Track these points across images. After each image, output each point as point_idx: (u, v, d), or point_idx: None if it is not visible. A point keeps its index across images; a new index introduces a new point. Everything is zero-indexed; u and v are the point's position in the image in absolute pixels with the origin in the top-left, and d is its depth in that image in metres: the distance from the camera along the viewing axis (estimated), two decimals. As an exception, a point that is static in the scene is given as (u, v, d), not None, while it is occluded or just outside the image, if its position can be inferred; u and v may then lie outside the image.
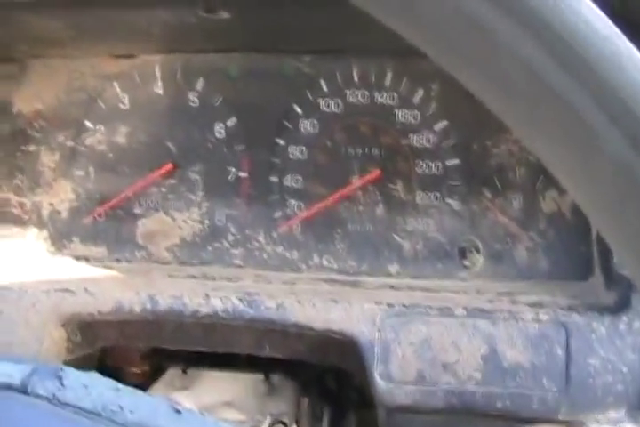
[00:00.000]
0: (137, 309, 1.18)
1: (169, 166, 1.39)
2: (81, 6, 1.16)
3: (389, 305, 1.10)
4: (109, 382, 0.62)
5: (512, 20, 0.40)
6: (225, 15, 1.15)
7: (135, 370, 1.45)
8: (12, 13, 1.18)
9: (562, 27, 0.39)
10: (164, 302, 1.17)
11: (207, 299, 1.16)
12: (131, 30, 1.29)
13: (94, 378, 0.62)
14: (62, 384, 0.59)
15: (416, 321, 1.09)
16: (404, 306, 1.11)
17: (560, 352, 1.05)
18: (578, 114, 0.40)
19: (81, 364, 1.27)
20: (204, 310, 1.16)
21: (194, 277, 1.29)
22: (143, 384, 1.43)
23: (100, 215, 1.42)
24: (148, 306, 1.17)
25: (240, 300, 1.14)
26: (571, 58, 0.40)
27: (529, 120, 0.44)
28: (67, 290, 1.20)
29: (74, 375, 0.61)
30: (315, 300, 1.13)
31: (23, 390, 0.59)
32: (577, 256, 1.24)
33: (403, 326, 1.09)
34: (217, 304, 1.15)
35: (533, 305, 1.11)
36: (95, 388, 0.60)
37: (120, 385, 0.62)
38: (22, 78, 1.47)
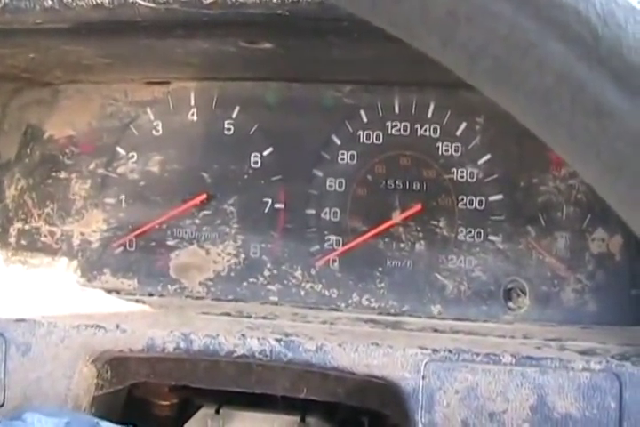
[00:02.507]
0: (170, 347, 1.14)
1: (203, 197, 1.35)
2: (119, 35, 1.14)
3: (434, 351, 1.06)
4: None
5: None
6: (267, 45, 1.12)
7: (163, 403, 1.42)
8: (48, 40, 1.16)
9: None
10: (199, 341, 1.13)
11: (243, 339, 1.12)
12: (167, 58, 1.26)
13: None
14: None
15: (462, 368, 1.05)
16: (449, 351, 1.06)
17: (613, 405, 1.01)
18: None
19: (110, 399, 1.24)
20: (240, 350, 1.12)
21: (229, 314, 1.25)
22: (171, 417, 1.40)
23: (131, 246, 1.39)
24: (182, 345, 1.13)
25: (278, 341, 1.10)
26: None
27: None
28: (98, 326, 1.17)
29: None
30: (356, 343, 1.09)
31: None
32: (627, 300, 1.20)
33: (448, 373, 1.05)
34: (254, 345, 1.11)
35: (584, 353, 1.06)
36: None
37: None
38: (54, 104, 1.45)
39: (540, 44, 0.38)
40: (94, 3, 0.99)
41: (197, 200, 1.35)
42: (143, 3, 0.99)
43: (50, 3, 1.00)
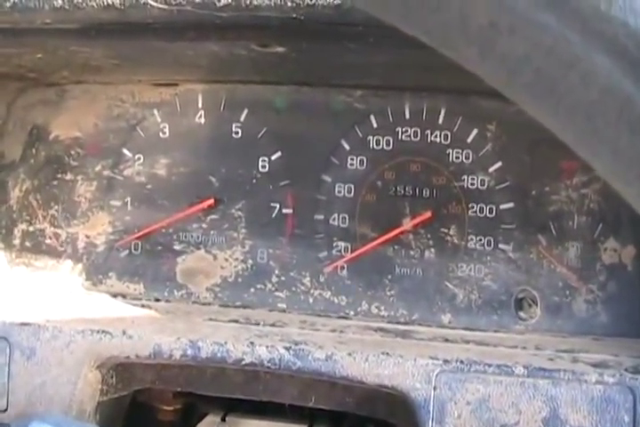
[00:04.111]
0: (177, 354, 1.12)
1: (210, 201, 1.34)
2: (129, 37, 1.12)
3: (445, 361, 1.05)
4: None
5: None
6: (279, 49, 1.11)
7: (167, 408, 1.40)
8: (56, 40, 1.14)
9: None
10: (207, 349, 1.11)
11: (252, 347, 1.10)
12: (176, 60, 1.24)
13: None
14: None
15: (473, 379, 1.04)
16: (460, 362, 1.05)
17: (627, 419, 0.99)
18: None
19: (114, 405, 1.22)
20: (249, 358, 1.10)
21: (236, 321, 1.23)
22: (175, 423, 1.39)
23: (137, 249, 1.37)
24: (189, 352, 1.12)
25: (287, 349, 1.09)
26: None
27: None
28: (104, 331, 1.15)
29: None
30: (366, 352, 1.07)
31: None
32: (639, 311, 1.19)
33: (459, 384, 1.04)
34: (262, 353, 1.09)
35: (597, 365, 1.05)
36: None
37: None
38: (60, 104, 1.43)
39: (586, 57, 0.37)
40: (105, 3, 0.98)
41: (205, 204, 1.34)
42: (155, 4, 0.97)
43: (60, 3, 0.99)
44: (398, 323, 1.27)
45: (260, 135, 1.35)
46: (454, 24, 0.40)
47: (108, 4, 0.98)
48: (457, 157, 1.27)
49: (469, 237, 1.26)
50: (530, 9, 0.37)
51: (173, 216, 1.35)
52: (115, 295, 1.37)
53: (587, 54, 0.37)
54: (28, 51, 1.19)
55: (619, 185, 0.41)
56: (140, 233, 1.37)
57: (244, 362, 1.10)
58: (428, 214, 1.27)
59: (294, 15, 0.94)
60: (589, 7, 0.37)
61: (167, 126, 1.39)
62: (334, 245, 1.31)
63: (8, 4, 0.99)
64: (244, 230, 1.34)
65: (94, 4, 0.98)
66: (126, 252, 1.38)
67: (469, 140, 1.27)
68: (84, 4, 0.98)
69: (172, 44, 1.13)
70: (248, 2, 0.93)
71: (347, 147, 1.32)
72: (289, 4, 0.93)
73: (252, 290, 1.33)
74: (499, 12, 0.38)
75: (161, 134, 1.39)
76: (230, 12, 0.96)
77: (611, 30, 0.37)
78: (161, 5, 0.97)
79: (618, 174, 0.40)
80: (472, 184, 1.27)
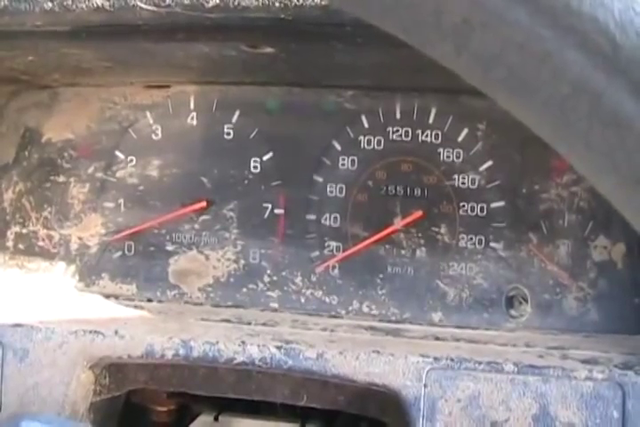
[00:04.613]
0: (169, 354, 1.13)
1: (203, 202, 1.34)
2: (119, 38, 1.13)
3: (436, 359, 1.05)
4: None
5: None
6: (268, 50, 1.11)
7: (161, 409, 1.41)
8: (47, 43, 1.15)
9: None
10: (198, 348, 1.12)
11: (243, 346, 1.11)
12: (167, 62, 1.25)
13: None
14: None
15: (464, 376, 1.04)
16: (450, 360, 1.05)
17: (616, 415, 1.00)
18: None
19: (108, 405, 1.23)
20: (240, 357, 1.11)
21: (228, 321, 1.24)
22: (169, 424, 1.39)
23: (129, 250, 1.38)
24: (181, 351, 1.12)
25: (278, 348, 1.09)
26: None
27: None
28: (96, 332, 1.15)
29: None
30: (356, 350, 1.08)
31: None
32: (630, 308, 1.20)
33: (450, 382, 1.04)
34: (254, 352, 1.10)
35: (586, 362, 1.05)
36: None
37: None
38: (53, 106, 1.44)
39: (557, 52, 0.38)
40: (95, 6, 0.98)
41: (197, 206, 1.35)
42: (144, 6, 0.98)
43: (50, 5, 0.99)
44: (389, 321, 1.27)
45: (251, 136, 1.36)
46: (429, 20, 0.40)
47: (98, 7, 0.98)
48: (448, 157, 1.28)
49: (460, 236, 1.27)
50: (501, 5, 0.38)
51: (167, 219, 1.36)
52: (107, 296, 1.37)
53: (558, 50, 0.38)
54: (19, 53, 1.19)
55: (593, 179, 0.42)
56: (133, 230, 1.37)
57: (235, 361, 1.11)
58: (419, 214, 1.28)
59: (282, 16, 0.95)
60: (560, 3, 0.37)
61: (159, 128, 1.39)
62: (326, 244, 1.32)
63: (-1, 7, 0.99)
64: (235, 231, 1.35)
65: (84, 7, 0.98)
66: (119, 253, 1.39)
67: (460, 139, 1.28)
68: (74, 7, 0.98)
69: (162, 45, 1.14)
70: (236, 3, 0.94)
71: (338, 147, 1.32)
72: (277, 4, 0.94)
73: (245, 290, 1.34)
74: (471, 8, 0.39)
75: (153, 136, 1.39)
76: (219, 14, 0.96)
77: (581, 25, 0.37)
78: (150, 7, 0.97)
79: (591, 168, 0.41)
80: (463, 183, 1.28)
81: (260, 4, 0.94)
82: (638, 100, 0.37)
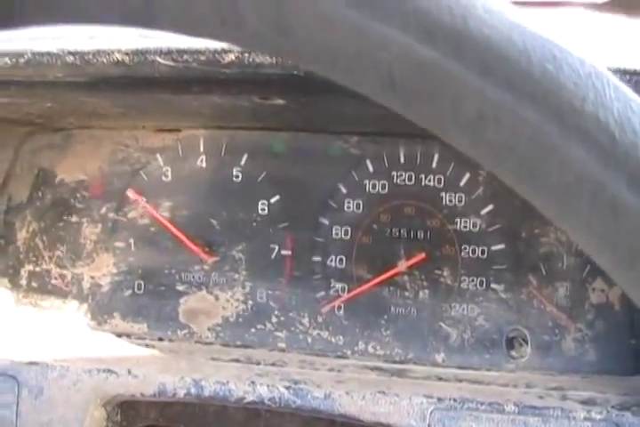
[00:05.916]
0: (181, 393, 1.16)
1: (212, 244, 1.38)
2: (136, 89, 1.17)
3: (439, 399, 1.09)
4: None
5: None
6: (279, 101, 1.16)
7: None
8: (66, 92, 1.19)
9: None
10: (209, 388, 1.16)
11: (253, 386, 1.14)
12: (180, 110, 1.29)
13: None
14: None
15: (466, 416, 1.08)
16: (453, 400, 1.09)
17: (614, 455, 1.04)
18: None
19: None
20: (250, 397, 1.14)
21: (238, 360, 1.27)
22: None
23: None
24: (193, 391, 1.16)
25: (287, 388, 1.13)
26: None
27: None
28: (109, 370, 1.19)
29: None
30: (363, 391, 1.11)
31: None
32: (626, 349, 1.23)
33: (453, 422, 1.08)
34: (263, 392, 1.14)
35: (585, 403, 1.09)
36: None
37: None
38: (66, 148, 1.48)
39: (562, 146, 0.42)
40: (115, 60, 1.02)
41: (207, 247, 1.38)
42: (163, 61, 1.02)
43: (71, 59, 1.03)
44: (394, 362, 1.31)
45: (259, 179, 1.39)
46: (447, 115, 0.45)
47: (118, 61, 1.02)
48: (450, 201, 1.32)
49: (462, 278, 1.31)
50: (514, 105, 0.42)
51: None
52: (119, 335, 1.41)
53: (563, 144, 0.42)
54: (37, 101, 1.24)
55: (594, 257, 0.46)
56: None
57: (245, 401, 1.14)
58: (422, 256, 1.32)
59: (295, 72, 0.99)
60: (566, 103, 0.42)
61: (170, 170, 1.43)
62: (331, 285, 1.36)
63: (23, 60, 1.03)
64: (244, 272, 1.39)
65: (105, 61, 1.02)
66: (129, 292, 1.43)
67: (462, 183, 1.32)
68: (95, 60, 1.02)
69: (178, 96, 1.18)
70: (251, 59, 0.98)
71: (344, 190, 1.36)
72: (290, 61, 0.98)
73: (253, 330, 1.37)
74: (486, 105, 0.43)
75: (164, 178, 1.43)
76: (234, 69, 1.00)
77: (584, 123, 0.42)
78: (168, 62, 1.01)
79: (592, 247, 0.45)
80: (465, 227, 1.32)
81: (274, 61, 0.98)
82: (635, 191, 0.41)
